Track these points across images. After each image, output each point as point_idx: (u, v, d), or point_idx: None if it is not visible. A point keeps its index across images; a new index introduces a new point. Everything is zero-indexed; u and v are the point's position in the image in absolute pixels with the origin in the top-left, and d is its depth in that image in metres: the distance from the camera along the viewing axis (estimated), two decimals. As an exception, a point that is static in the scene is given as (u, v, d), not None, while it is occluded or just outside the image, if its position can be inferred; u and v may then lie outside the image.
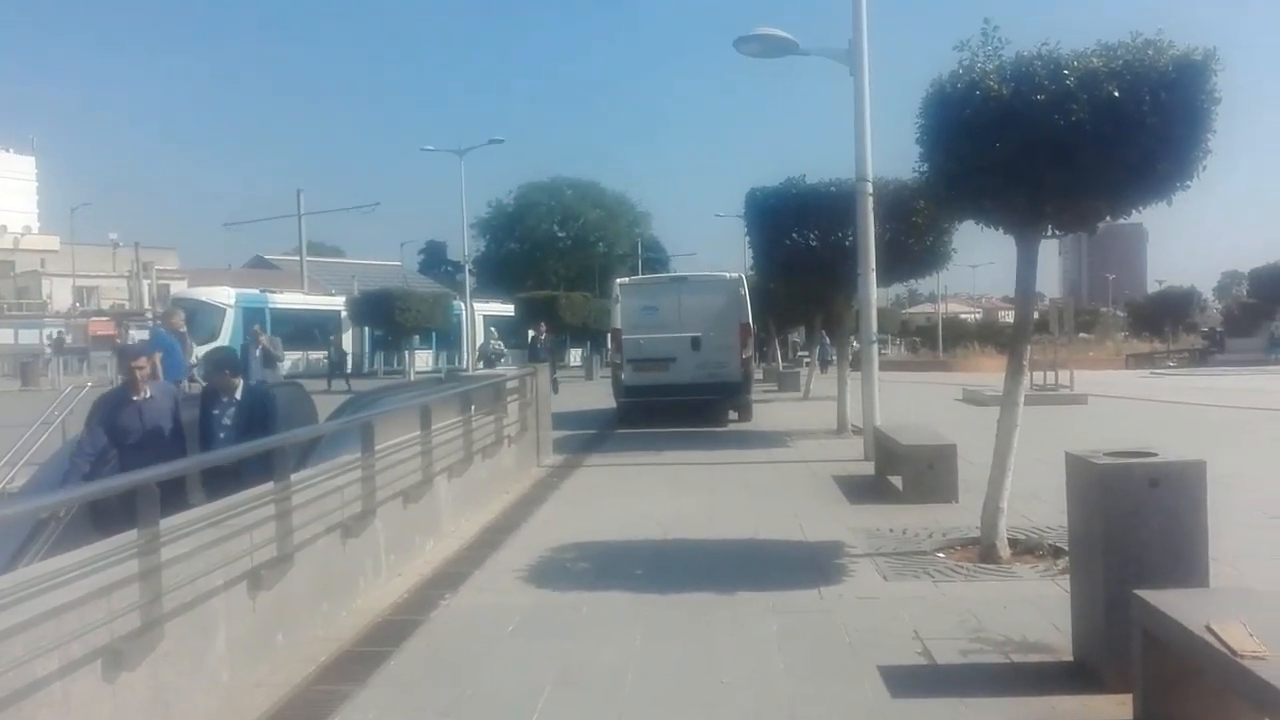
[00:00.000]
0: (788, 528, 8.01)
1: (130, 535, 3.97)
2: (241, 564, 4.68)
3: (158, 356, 8.51)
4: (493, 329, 35.07)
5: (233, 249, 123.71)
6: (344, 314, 39.24)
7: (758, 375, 21.70)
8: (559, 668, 4.85)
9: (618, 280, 18.02)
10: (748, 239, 16.14)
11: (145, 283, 52.88)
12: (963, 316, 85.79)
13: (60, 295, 54.45)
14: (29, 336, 40.99)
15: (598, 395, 21.90)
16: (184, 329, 15.15)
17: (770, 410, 18.95)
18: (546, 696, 4.48)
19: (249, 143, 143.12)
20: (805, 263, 14.01)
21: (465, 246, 45.92)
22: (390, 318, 34.70)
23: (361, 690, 4.64)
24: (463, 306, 41.75)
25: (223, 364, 7.30)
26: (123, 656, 3.72)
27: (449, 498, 8.25)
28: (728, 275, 17.42)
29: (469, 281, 44.50)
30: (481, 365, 29.69)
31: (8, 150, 62.07)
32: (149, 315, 45.90)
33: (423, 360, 40.32)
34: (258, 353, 15.84)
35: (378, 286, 40.42)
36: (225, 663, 4.50)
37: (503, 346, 31.92)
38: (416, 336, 37.01)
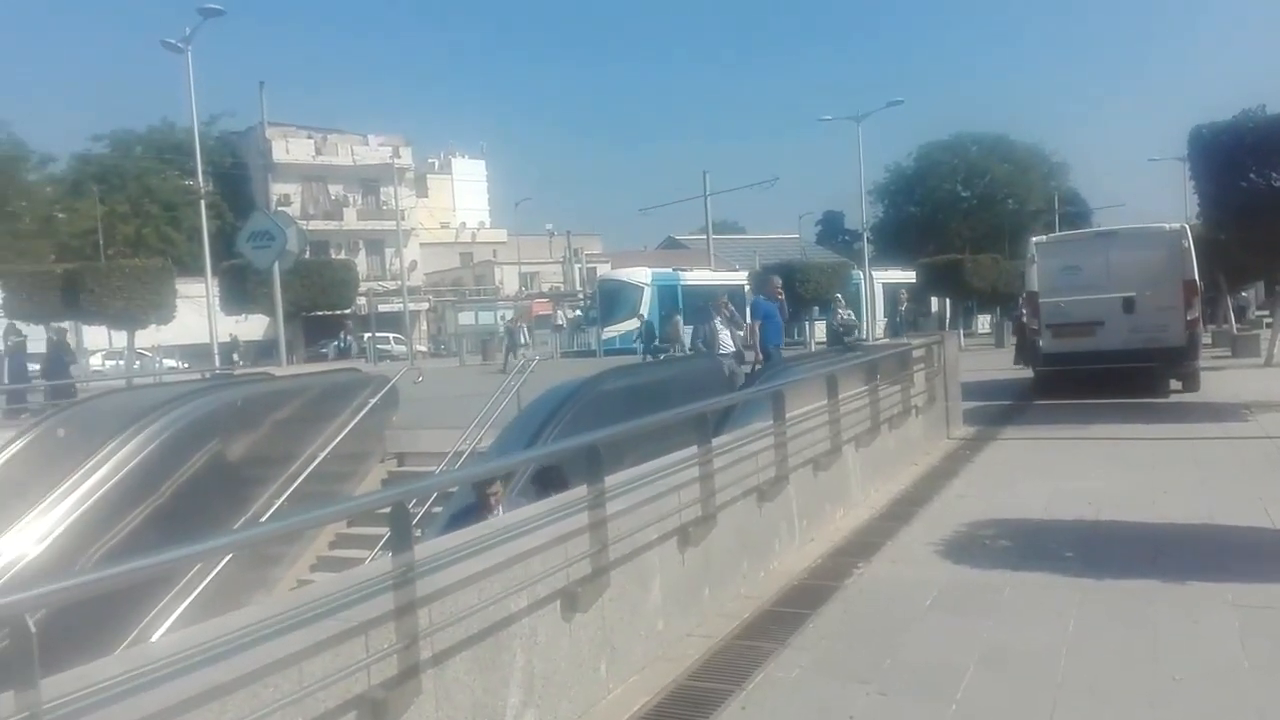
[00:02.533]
0: (1250, 512, 6.97)
1: (581, 490, 4.45)
2: (671, 521, 5.04)
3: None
4: (839, 296, 33.09)
5: (647, 231, 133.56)
6: (747, 288, 40.61)
7: (1206, 339, 19.04)
8: (982, 647, 4.67)
9: (1034, 239, 16.70)
10: (1192, 184, 14.40)
11: (576, 267, 58.83)
12: None
13: (509, 281, 62.29)
14: (486, 318, 47.37)
15: (1009, 364, 20.62)
16: (781, 295, 16.27)
17: (1222, 379, 16.57)
18: (971, 675, 4.33)
19: (657, 132, 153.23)
20: (1267, 207, 12.22)
21: (864, 214, 45.37)
22: (790, 289, 35.26)
23: (783, 650, 4.81)
24: (861, 275, 41.31)
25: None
26: (577, 599, 4.19)
27: (857, 467, 8.24)
28: (1167, 227, 15.47)
29: (867, 250, 43.85)
30: (826, 343, 25.14)
31: (464, 156, 71.94)
32: (580, 295, 51.02)
33: (822, 331, 40.58)
34: (719, 321, 15.72)
35: (777, 259, 41.33)
36: (660, 612, 4.89)
37: (853, 317, 30.13)
38: (816, 307, 37.32)
